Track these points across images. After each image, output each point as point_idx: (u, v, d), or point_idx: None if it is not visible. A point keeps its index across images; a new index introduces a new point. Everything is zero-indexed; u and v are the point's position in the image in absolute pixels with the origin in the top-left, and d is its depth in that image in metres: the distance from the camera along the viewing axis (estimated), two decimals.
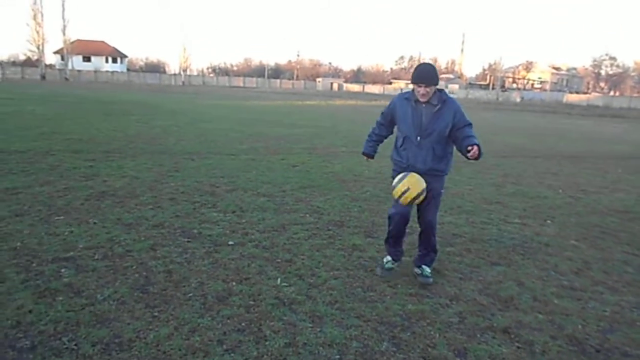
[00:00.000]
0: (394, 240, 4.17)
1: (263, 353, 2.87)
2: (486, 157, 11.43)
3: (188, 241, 4.66)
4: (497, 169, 9.88)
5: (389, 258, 4.20)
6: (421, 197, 3.79)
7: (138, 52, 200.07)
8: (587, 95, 59.89)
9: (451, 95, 3.89)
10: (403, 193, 3.77)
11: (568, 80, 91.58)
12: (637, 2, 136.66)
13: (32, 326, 3.01)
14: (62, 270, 3.83)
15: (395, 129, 4.23)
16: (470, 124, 3.82)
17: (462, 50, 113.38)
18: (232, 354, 2.83)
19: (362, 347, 3.01)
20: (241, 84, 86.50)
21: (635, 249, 5.15)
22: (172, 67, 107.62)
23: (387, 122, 4.22)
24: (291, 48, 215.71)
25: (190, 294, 3.56)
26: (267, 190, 6.97)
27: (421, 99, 3.77)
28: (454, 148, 3.92)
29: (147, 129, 13.52)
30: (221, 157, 9.59)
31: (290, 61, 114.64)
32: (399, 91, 72.08)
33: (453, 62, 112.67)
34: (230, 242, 4.68)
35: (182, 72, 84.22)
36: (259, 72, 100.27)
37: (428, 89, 3.72)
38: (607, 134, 21.51)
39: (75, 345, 2.84)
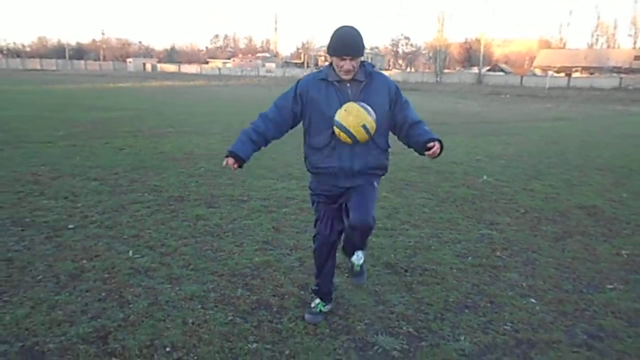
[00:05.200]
0: (326, 273, 3.22)
1: (129, 314, 3.08)
2: None
3: (22, 230, 4.48)
4: None
5: (317, 300, 3.23)
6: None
7: None
8: (389, 72, 66.50)
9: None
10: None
11: (372, 58, 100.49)
12: None
13: None
14: None
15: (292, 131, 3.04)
16: (409, 103, 3.01)
17: (275, 30, 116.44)
18: (99, 320, 3.00)
19: (220, 296, 3.40)
20: (38, 67, 76.98)
21: (430, 195, 6.33)
22: None
23: (284, 117, 2.91)
24: (94, 26, 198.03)
25: (40, 276, 3.54)
26: (97, 174, 6.79)
27: (345, 77, 2.80)
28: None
29: None
30: (36, 145, 8.87)
31: (94, 40, 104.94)
32: (217, 71, 71.43)
33: (268, 41, 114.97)
34: (71, 226, 4.62)
35: None
36: (58, 53, 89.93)
37: (354, 63, 2.76)
38: None
39: None
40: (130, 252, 4.05)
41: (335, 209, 3.03)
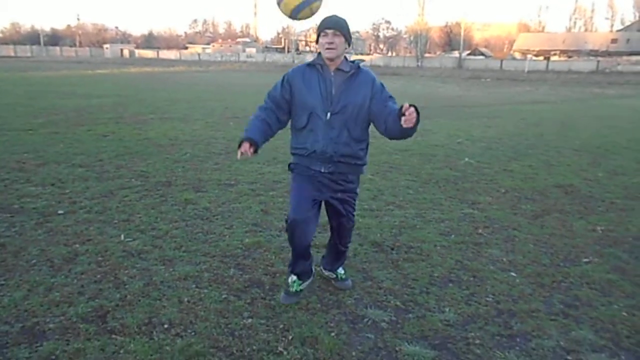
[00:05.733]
0: (299, 253, 3.20)
1: (125, 294, 3.17)
2: None
3: (11, 216, 4.50)
4: None
5: (294, 278, 3.26)
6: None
7: None
8: (370, 56, 66.19)
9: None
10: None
11: (352, 42, 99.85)
12: None
13: None
14: None
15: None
16: (392, 98, 3.04)
17: (255, 14, 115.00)
18: (97, 300, 3.08)
19: (213, 275, 3.50)
20: (12, 53, 75.25)
21: (414, 177, 6.48)
22: None
23: (278, 104, 3.03)
24: (69, 11, 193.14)
25: (34, 260, 3.60)
26: (82, 161, 6.79)
27: (328, 54, 2.87)
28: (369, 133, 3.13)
29: None
30: (17, 132, 8.79)
31: (69, 26, 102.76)
32: (197, 57, 70.84)
33: (248, 26, 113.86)
34: (60, 212, 4.66)
35: None
36: (32, 39, 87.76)
37: (336, 39, 2.85)
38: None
39: None
40: (122, 236, 4.11)
41: (309, 190, 3.06)
